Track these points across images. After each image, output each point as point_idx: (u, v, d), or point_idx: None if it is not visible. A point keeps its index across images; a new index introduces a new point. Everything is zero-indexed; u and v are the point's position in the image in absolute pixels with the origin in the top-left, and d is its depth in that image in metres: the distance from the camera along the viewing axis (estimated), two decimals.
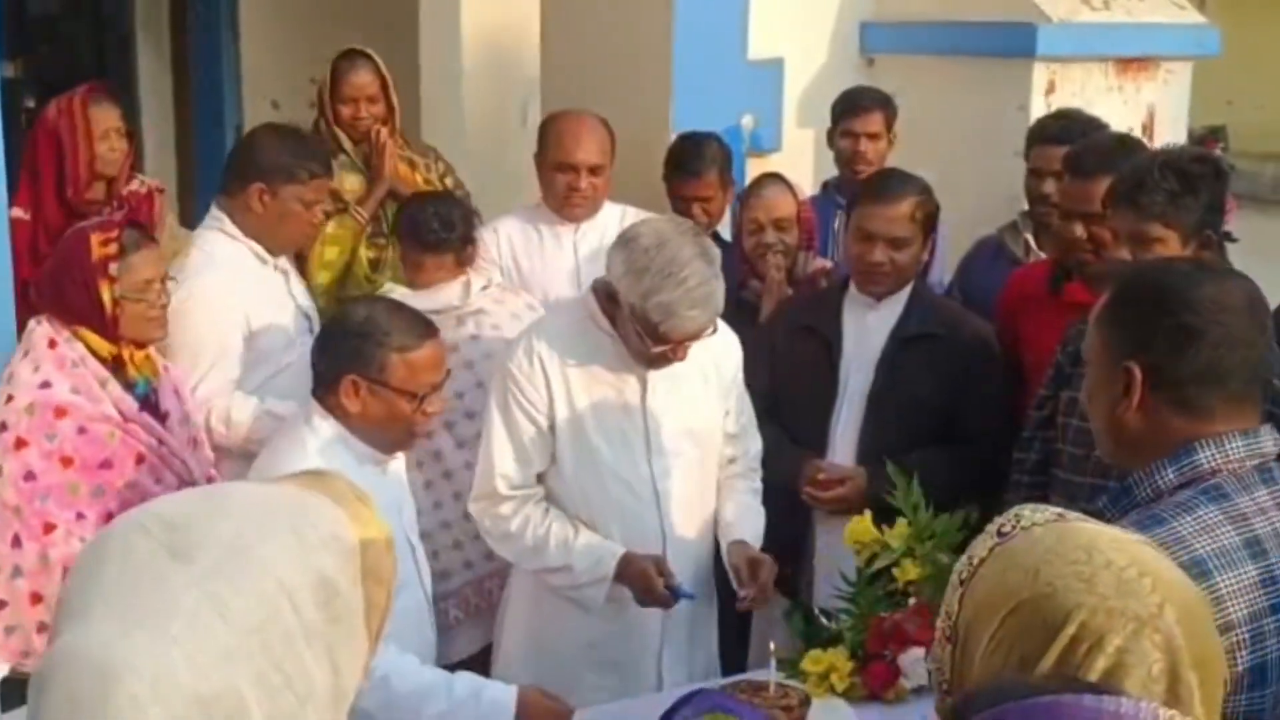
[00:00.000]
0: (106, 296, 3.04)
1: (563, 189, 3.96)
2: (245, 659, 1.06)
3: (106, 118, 4.29)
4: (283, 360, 3.54)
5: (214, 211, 3.64)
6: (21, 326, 3.20)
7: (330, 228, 4.17)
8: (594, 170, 3.96)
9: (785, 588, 3.48)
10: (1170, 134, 5.55)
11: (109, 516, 2.91)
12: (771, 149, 5.26)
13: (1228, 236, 4.36)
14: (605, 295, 3.06)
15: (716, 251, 3.02)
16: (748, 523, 3.26)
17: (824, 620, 3.12)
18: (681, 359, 3.07)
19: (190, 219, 4.94)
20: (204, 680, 1.03)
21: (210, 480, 3.18)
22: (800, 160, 5.21)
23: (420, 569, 3.00)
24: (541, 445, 3.14)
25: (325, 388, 2.78)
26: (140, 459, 3.05)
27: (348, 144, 4.41)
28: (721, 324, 3.23)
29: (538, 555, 3.16)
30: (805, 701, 2.77)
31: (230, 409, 3.44)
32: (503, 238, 4.05)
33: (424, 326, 2.83)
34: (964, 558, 1.47)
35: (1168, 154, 3.02)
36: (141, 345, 3.14)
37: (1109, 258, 3.00)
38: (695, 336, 3.01)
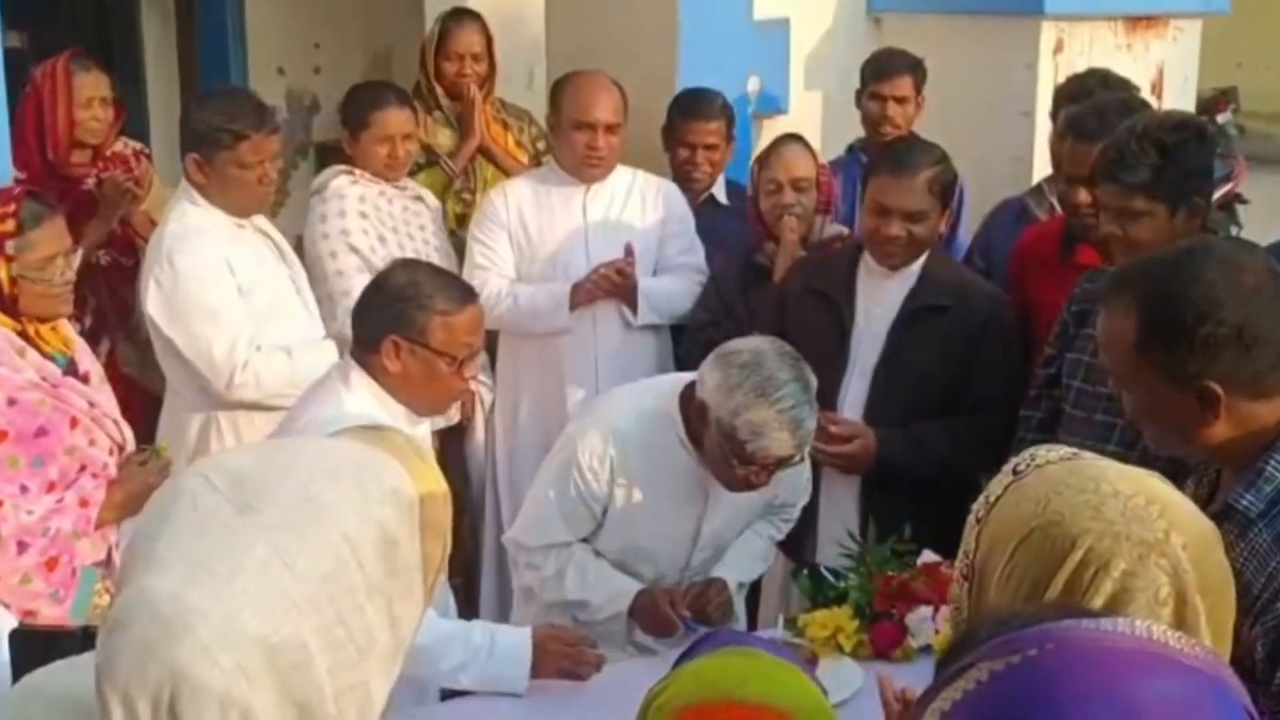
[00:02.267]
0: (3, 275, 2.89)
1: (581, 148, 3.96)
2: (311, 611, 1.08)
3: (91, 86, 4.26)
4: (277, 322, 3.57)
5: (183, 184, 3.66)
6: None
7: (420, 179, 4.30)
8: (610, 129, 3.96)
9: (791, 550, 3.49)
10: (1180, 93, 5.51)
11: (51, 486, 2.91)
12: (778, 111, 5.23)
13: (1239, 199, 4.34)
14: (695, 411, 2.97)
15: (814, 380, 2.93)
16: (736, 567, 3.22)
17: (831, 579, 3.13)
18: (764, 484, 2.99)
19: None
20: (272, 630, 1.06)
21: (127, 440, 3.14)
22: (808, 122, 5.17)
23: None
24: (590, 523, 3.13)
25: (365, 348, 2.83)
26: (74, 423, 2.97)
27: (444, 100, 4.53)
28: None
29: (557, 587, 3.14)
30: (812, 660, 2.77)
31: (260, 369, 3.46)
32: (511, 200, 4.04)
33: (464, 290, 2.91)
34: (981, 498, 1.51)
35: (1146, 124, 2.94)
36: (45, 320, 3.01)
37: (1107, 230, 2.97)
38: (782, 462, 2.93)
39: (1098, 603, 1.34)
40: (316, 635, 1.08)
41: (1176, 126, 2.92)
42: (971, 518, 1.51)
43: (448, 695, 3.19)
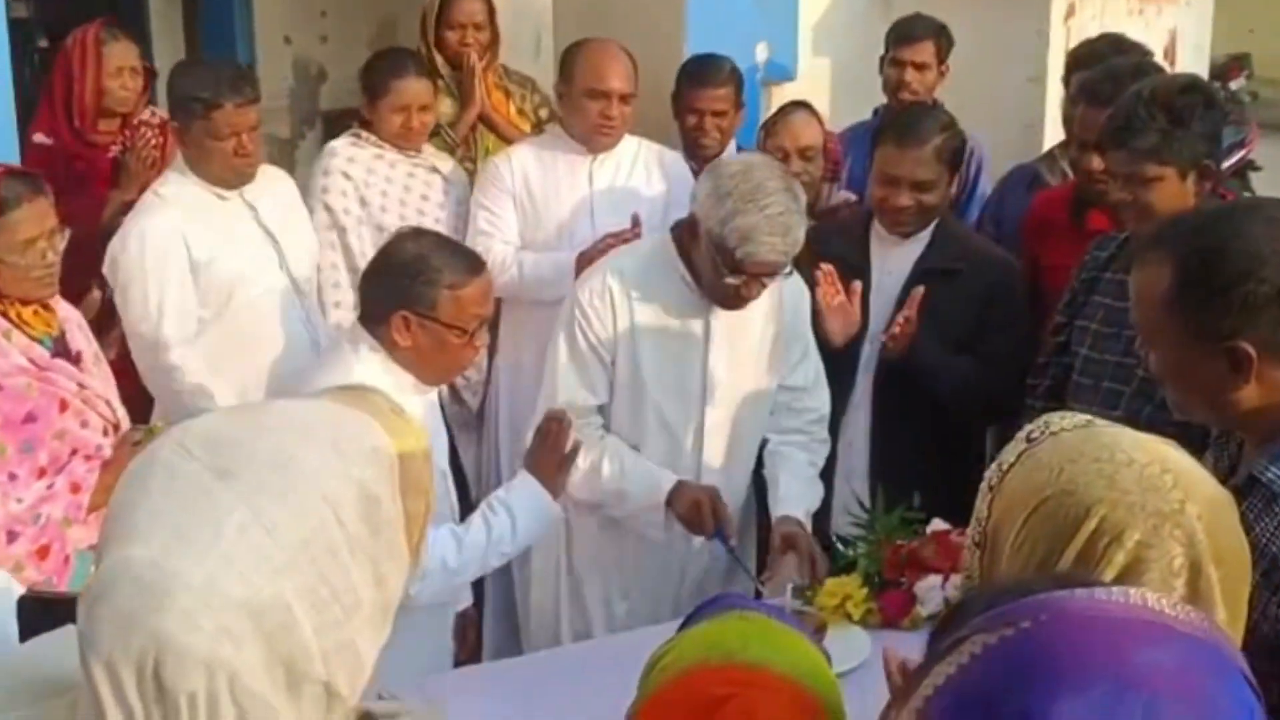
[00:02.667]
0: None
1: (595, 116, 3.93)
2: (293, 572, 1.07)
3: (121, 55, 4.31)
4: (251, 291, 3.58)
5: (179, 154, 3.67)
6: None
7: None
8: (624, 98, 3.94)
9: None
10: (1192, 59, 5.48)
11: (42, 472, 2.88)
12: (787, 78, 5.20)
13: (1252, 165, 4.30)
14: (686, 231, 3.06)
15: (802, 191, 3.02)
16: (797, 497, 3.22)
17: (841, 548, 3.13)
18: (754, 296, 3.05)
19: None
20: (255, 593, 1.05)
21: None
22: (817, 89, 5.15)
23: (451, 499, 3.06)
24: (605, 378, 3.18)
25: (374, 320, 2.84)
26: (64, 406, 2.92)
27: (445, 69, 4.50)
28: (793, 275, 3.23)
29: (592, 479, 3.18)
30: (822, 627, 2.78)
31: (183, 366, 3.50)
32: (516, 166, 4.01)
33: (472, 261, 2.90)
34: (994, 465, 1.49)
35: (1154, 88, 2.91)
36: (27, 303, 2.94)
37: (1117, 197, 2.94)
38: (771, 268, 2.98)
39: (1110, 574, 1.33)
40: (300, 596, 1.07)
41: (1184, 90, 2.89)
42: (984, 485, 1.49)
43: (459, 663, 3.22)
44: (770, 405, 3.31)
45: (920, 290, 3.36)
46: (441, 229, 3.95)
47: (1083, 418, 1.48)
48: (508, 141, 4.45)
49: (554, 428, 2.92)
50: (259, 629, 1.05)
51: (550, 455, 2.92)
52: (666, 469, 3.21)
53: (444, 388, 4.01)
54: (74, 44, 4.28)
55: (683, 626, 1.65)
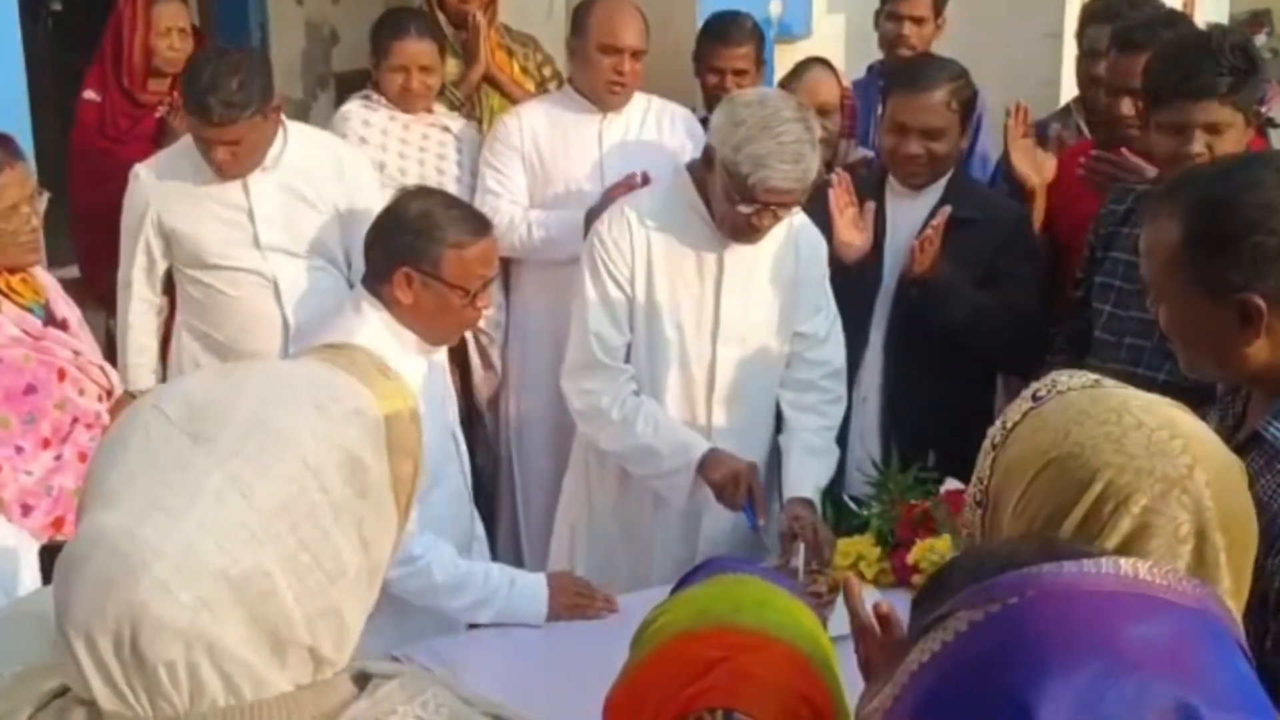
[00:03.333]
0: None
1: (608, 72, 3.91)
2: (273, 539, 1.05)
3: (170, 16, 4.34)
4: (220, 265, 3.63)
5: None
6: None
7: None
8: (636, 55, 3.93)
9: None
10: (1212, 15, 5.42)
11: (46, 443, 2.88)
12: (801, 35, 5.15)
13: (1270, 122, 4.26)
14: (702, 163, 3.10)
15: (817, 125, 3.05)
16: (807, 475, 3.19)
17: (854, 507, 3.12)
18: (766, 227, 3.06)
19: None
20: (232, 562, 1.03)
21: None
22: (832, 46, 5.10)
23: (462, 461, 3.05)
24: (628, 312, 3.19)
25: (378, 278, 2.82)
26: (62, 374, 2.93)
27: (448, 29, 4.45)
28: (809, 224, 3.23)
29: (624, 433, 3.17)
30: (835, 588, 2.77)
31: (131, 313, 3.70)
32: (526, 124, 4.00)
33: (478, 222, 2.89)
34: (997, 423, 1.46)
35: (1223, 33, 2.85)
36: (14, 271, 2.93)
37: (1180, 150, 2.88)
38: (783, 197, 2.99)
39: (1115, 540, 1.30)
40: (280, 563, 1.05)
41: (1244, 37, 2.86)
42: (987, 443, 1.46)
43: (472, 626, 3.23)
44: (784, 351, 3.30)
45: (947, 209, 3.34)
46: (460, 189, 3.94)
47: (1090, 377, 1.45)
48: (512, 101, 4.42)
49: (598, 597, 2.85)
50: (238, 597, 1.03)
51: (573, 597, 2.84)
52: (681, 406, 3.22)
53: (472, 346, 4.04)
54: (125, 3, 4.32)
55: (676, 589, 1.64)
